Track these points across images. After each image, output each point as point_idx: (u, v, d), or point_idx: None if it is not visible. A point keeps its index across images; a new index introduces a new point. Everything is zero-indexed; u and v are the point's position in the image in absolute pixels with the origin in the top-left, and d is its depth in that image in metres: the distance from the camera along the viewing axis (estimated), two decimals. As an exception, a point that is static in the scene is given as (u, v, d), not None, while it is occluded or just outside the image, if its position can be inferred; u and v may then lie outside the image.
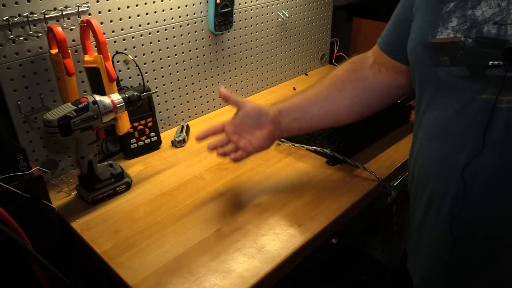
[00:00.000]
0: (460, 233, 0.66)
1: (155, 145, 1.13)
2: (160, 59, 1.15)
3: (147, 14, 1.07)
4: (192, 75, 1.25)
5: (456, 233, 0.66)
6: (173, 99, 1.22)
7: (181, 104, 1.25)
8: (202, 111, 1.32)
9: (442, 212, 0.67)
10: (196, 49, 1.22)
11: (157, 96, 1.18)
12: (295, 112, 0.86)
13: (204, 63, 1.26)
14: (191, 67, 1.23)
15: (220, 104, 1.36)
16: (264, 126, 0.84)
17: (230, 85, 1.37)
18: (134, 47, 1.08)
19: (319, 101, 0.86)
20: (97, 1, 0.97)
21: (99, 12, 0.99)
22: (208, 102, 1.32)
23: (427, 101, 0.69)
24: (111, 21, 1.01)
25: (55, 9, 0.91)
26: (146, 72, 1.13)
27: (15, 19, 0.86)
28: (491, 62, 0.57)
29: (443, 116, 0.65)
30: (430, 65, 0.64)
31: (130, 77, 1.10)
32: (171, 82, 1.20)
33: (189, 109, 1.28)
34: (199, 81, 1.27)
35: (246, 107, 0.84)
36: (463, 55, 0.59)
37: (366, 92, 0.86)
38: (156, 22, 1.10)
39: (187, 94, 1.25)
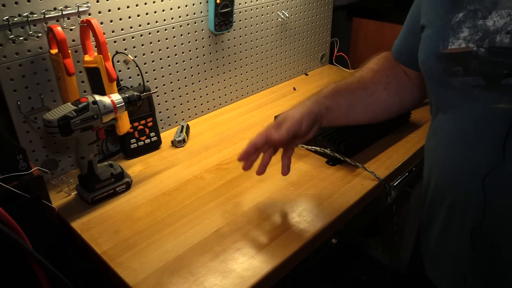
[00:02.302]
0: (481, 244, 0.65)
1: (155, 145, 1.13)
2: (160, 59, 1.15)
3: (147, 14, 1.07)
4: (192, 75, 1.25)
5: (477, 244, 0.65)
6: (173, 99, 1.22)
7: (181, 104, 1.25)
8: (202, 111, 1.32)
9: (466, 223, 0.66)
10: (196, 49, 1.22)
11: (157, 96, 1.18)
12: (341, 108, 0.82)
13: (204, 63, 1.26)
14: (191, 67, 1.23)
15: (220, 104, 1.36)
16: (310, 131, 0.81)
17: (230, 85, 1.37)
18: (134, 47, 1.08)
19: (365, 97, 0.83)
20: (97, 1, 0.97)
21: (99, 12, 0.99)
22: (208, 102, 1.32)
23: (442, 111, 0.68)
24: (111, 21, 1.01)
25: (55, 9, 0.91)
26: (146, 72, 1.13)
27: (15, 19, 0.86)
28: (506, 71, 0.56)
29: (459, 125, 0.64)
30: (444, 75, 0.64)
31: (130, 77, 1.10)
32: (171, 82, 1.20)
33: (189, 109, 1.28)
34: (199, 81, 1.27)
35: (301, 129, 0.77)
36: (476, 64, 0.59)
37: (404, 91, 0.85)
38: (156, 22, 1.10)
39: (187, 94, 1.25)
